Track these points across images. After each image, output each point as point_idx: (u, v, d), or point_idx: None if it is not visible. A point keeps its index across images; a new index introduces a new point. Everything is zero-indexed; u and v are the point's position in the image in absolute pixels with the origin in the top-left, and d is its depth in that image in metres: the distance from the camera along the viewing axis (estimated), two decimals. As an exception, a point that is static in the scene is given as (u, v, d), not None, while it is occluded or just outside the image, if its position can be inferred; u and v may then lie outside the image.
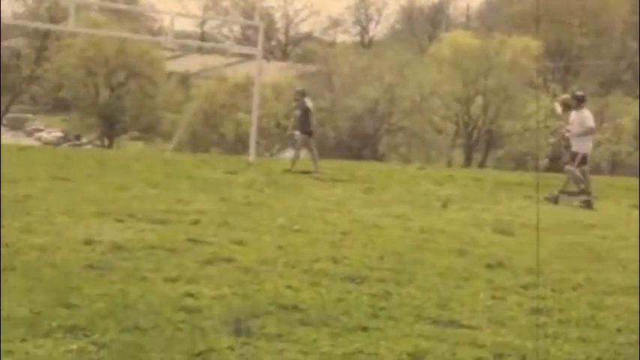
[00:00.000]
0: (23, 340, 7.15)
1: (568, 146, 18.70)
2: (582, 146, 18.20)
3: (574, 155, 18.06)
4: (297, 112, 22.04)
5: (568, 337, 8.08)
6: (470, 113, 56.84)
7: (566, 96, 21.29)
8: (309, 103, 22.02)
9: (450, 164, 52.72)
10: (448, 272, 10.38)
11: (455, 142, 58.48)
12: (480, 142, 57.46)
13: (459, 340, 7.79)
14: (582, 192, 17.97)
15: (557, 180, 19.18)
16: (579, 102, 18.39)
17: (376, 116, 57.93)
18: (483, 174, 20.38)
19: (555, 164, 20.48)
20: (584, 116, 18.20)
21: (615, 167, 52.45)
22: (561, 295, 9.67)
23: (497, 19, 69.28)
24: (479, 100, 56.56)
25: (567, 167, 18.14)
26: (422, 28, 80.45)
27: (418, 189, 18.39)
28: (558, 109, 19.03)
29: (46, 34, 57.05)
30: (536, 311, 8.89)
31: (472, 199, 17.53)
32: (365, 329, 7.99)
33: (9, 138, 58.57)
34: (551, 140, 20.72)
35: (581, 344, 7.91)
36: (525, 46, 55.20)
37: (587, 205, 17.55)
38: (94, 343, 7.14)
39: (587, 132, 18.19)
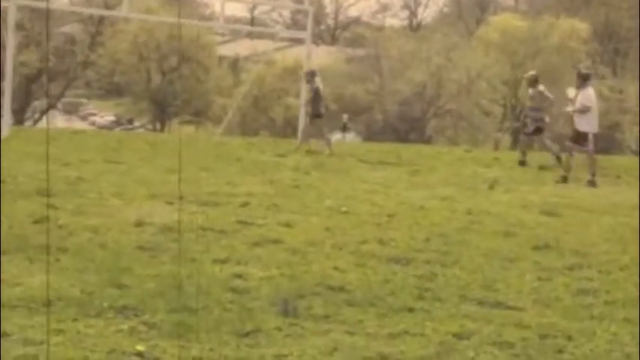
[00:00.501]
0: (75, 319, 7.27)
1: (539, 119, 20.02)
2: (587, 125, 18.00)
3: (585, 135, 17.89)
4: (309, 94, 21.69)
5: (614, 318, 8.09)
6: (517, 96, 56.48)
7: (532, 73, 21.46)
8: (319, 83, 21.50)
9: (497, 147, 52.51)
10: (494, 254, 10.40)
11: (502, 124, 58.20)
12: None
13: (504, 321, 7.83)
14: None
15: (603, 162, 19.17)
16: (584, 80, 18.26)
17: (424, 99, 57.83)
18: (530, 156, 20.26)
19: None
20: (588, 94, 18.05)
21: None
22: (608, 276, 9.66)
23: (545, 2, 68.52)
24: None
25: (587, 148, 18.00)
26: (470, 12, 79.65)
27: (465, 171, 18.38)
28: (571, 93, 19.08)
29: (100, 20, 57.55)
30: (583, 292, 8.94)
31: (519, 181, 17.43)
32: (411, 310, 8.06)
33: (63, 122, 59.28)
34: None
35: (627, 325, 7.92)
36: (573, 28, 54.77)
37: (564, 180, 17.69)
38: (144, 323, 7.27)
39: (583, 110, 17.96)
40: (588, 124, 17.97)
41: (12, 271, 8.43)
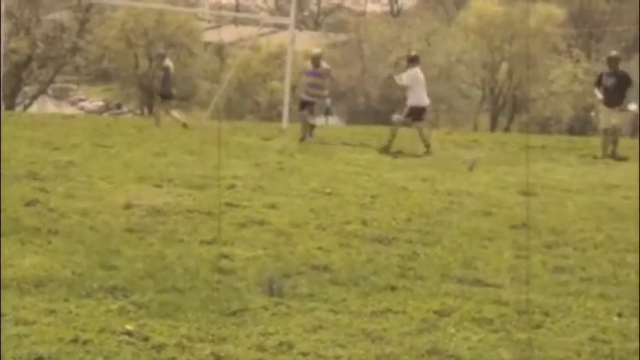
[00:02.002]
0: (66, 300, 7.41)
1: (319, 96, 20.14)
2: (416, 100, 19.17)
3: (422, 109, 19.29)
4: (160, 74, 22.17)
5: (589, 294, 8.23)
6: (496, 79, 56.64)
7: (316, 50, 21.45)
8: (168, 63, 22.13)
9: (476, 129, 52.74)
10: (474, 233, 10.51)
11: (481, 107, 58.40)
12: (505, 107, 57.31)
13: (483, 298, 7.97)
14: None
15: (580, 143, 19.28)
16: (411, 62, 19.68)
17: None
18: (508, 138, 20.28)
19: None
20: (415, 72, 19.30)
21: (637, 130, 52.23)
22: (583, 253, 9.79)
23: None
24: (504, 66, 56.32)
25: (421, 121, 19.15)
26: (449, -3, 79.59)
27: (445, 153, 18.38)
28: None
29: (88, 8, 57.31)
30: (559, 269, 9.08)
31: (497, 162, 17.51)
32: (393, 288, 8.19)
33: (53, 107, 59.23)
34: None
35: (602, 301, 8.06)
36: (549, 13, 54.89)
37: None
38: (133, 303, 7.39)
39: (405, 86, 19.50)
40: (416, 99, 19.12)
41: (5, 252, 8.53)
